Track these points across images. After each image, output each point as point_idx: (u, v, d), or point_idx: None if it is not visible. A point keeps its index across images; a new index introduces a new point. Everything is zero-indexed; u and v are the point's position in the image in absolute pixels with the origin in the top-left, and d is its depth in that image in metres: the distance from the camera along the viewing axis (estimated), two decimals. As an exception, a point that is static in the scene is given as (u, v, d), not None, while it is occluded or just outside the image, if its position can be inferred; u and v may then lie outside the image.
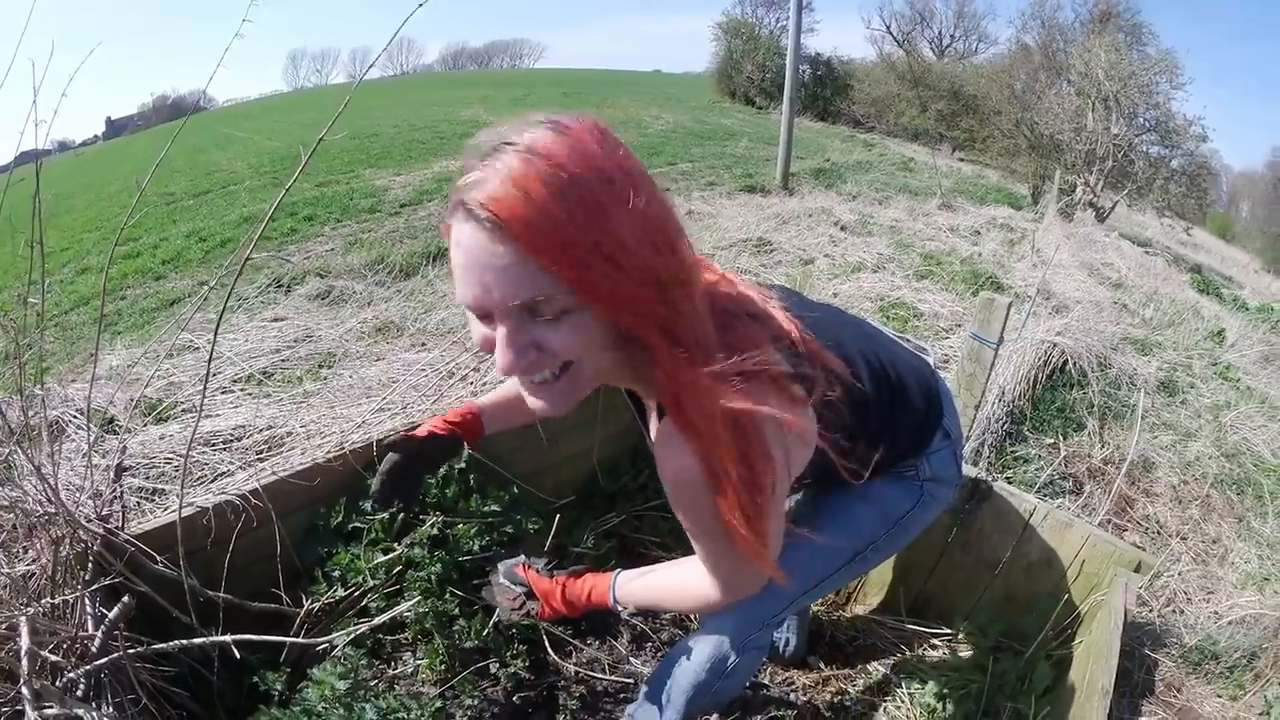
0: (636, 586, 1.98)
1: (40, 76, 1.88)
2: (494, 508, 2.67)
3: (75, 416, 3.64)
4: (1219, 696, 3.63)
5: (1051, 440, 5.92)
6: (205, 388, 2.18)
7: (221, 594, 2.15)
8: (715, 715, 2.26)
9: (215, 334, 2.10)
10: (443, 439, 2.20)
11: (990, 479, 3.13)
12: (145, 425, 3.82)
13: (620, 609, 2.01)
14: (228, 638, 1.87)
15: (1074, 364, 6.79)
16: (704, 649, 1.99)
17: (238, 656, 1.91)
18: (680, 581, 1.90)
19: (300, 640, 2.11)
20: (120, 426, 3.67)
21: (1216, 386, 8.43)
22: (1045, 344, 6.88)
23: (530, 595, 2.14)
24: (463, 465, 2.69)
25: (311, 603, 2.35)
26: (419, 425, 2.27)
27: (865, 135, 30.33)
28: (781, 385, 1.52)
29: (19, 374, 2.15)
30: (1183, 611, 4.25)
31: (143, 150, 32.26)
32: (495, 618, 2.32)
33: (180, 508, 2.16)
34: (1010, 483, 3.39)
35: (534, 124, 1.31)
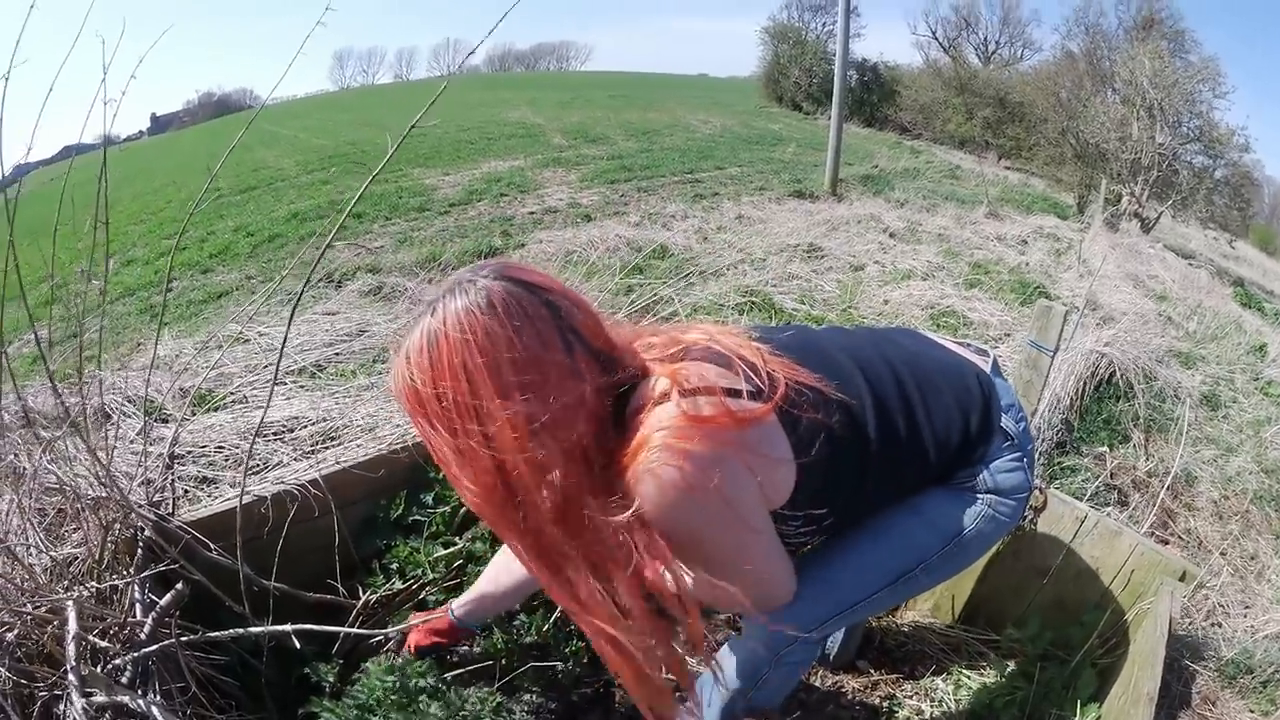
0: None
1: (110, 55, 1.89)
2: None
3: (123, 404, 3.67)
4: (1251, 712, 3.61)
5: (1099, 451, 5.89)
6: (277, 372, 2.18)
7: (276, 584, 2.15)
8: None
9: (291, 318, 2.12)
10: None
11: (1043, 486, 3.12)
12: (195, 415, 3.84)
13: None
14: (287, 627, 1.87)
15: (1121, 376, 6.75)
16: (740, 657, 2.03)
17: (297, 647, 1.91)
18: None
19: (360, 630, 2.11)
20: (170, 416, 3.69)
21: (1258, 402, 8.36)
22: (1094, 354, 6.84)
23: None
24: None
25: (369, 594, 2.35)
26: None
27: (912, 142, 30.20)
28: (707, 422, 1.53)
29: (79, 353, 2.16)
30: (1220, 625, 4.26)
31: (188, 146, 32.55)
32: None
33: (241, 494, 2.17)
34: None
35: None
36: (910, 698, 3.07)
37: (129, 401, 3.67)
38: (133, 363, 4.91)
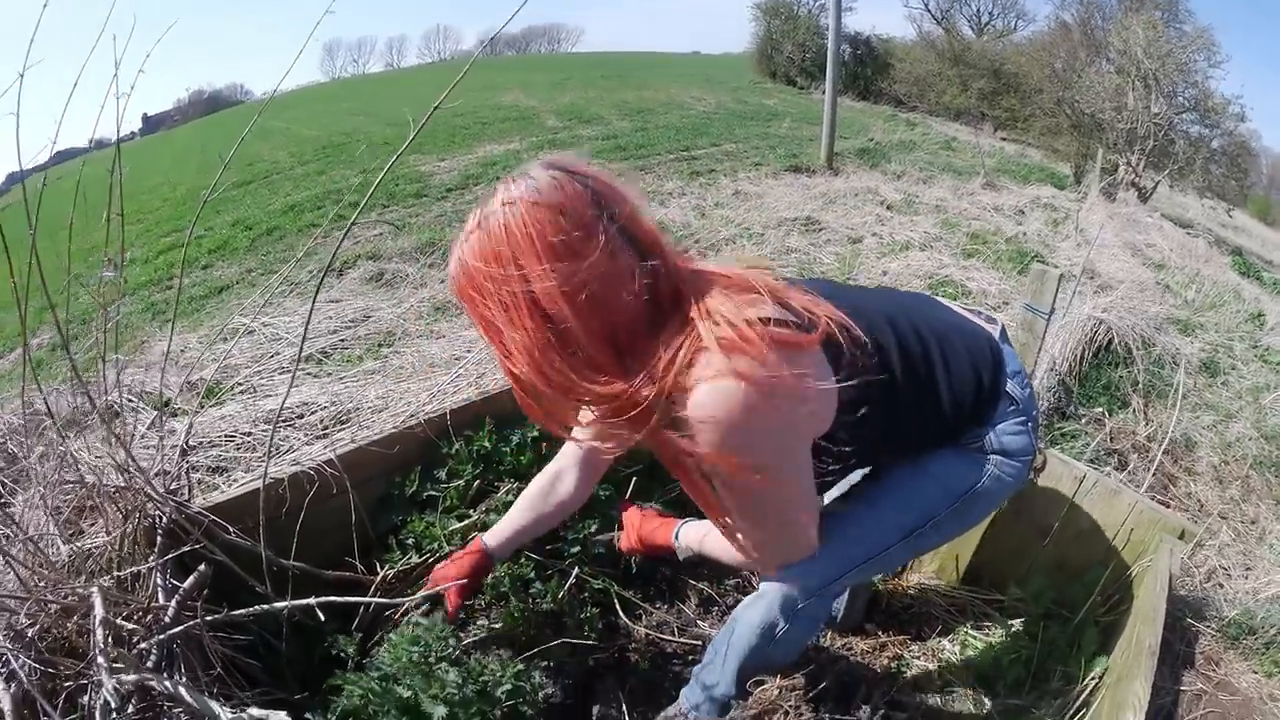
0: (697, 533, 2.13)
1: (121, 50, 1.93)
2: None
3: (131, 400, 3.71)
4: (1255, 673, 3.68)
5: (1098, 416, 5.96)
6: (300, 352, 2.22)
7: (296, 562, 2.19)
8: (777, 676, 2.29)
9: (315, 295, 2.15)
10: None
11: (1043, 447, 3.17)
12: (203, 407, 3.88)
13: (679, 550, 2.17)
14: (311, 600, 1.91)
15: (1119, 342, 6.82)
16: (755, 614, 2.06)
17: (321, 618, 1.95)
18: (732, 545, 1.97)
19: (382, 600, 2.17)
20: (178, 409, 3.73)
21: (1257, 369, 8.41)
22: (1092, 320, 6.90)
23: (622, 527, 2.35)
24: (535, 434, 2.77)
25: (386, 569, 2.40)
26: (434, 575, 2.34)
27: (907, 115, 30.11)
28: (770, 340, 1.59)
29: (102, 341, 2.20)
30: (1222, 586, 4.31)
31: (181, 145, 32.49)
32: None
33: (265, 472, 2.22)
34: (1057, 455, 3.43)
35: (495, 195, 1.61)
36: (918, 658, 3.13)
37: (135, 397, 3.72)
38: (138, 360, 4.95)
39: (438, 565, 2.33)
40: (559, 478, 2.35)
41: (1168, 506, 5.02)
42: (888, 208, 10.99)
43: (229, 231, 10.14)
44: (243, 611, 1.98)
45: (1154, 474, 5.35)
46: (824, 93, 14.68)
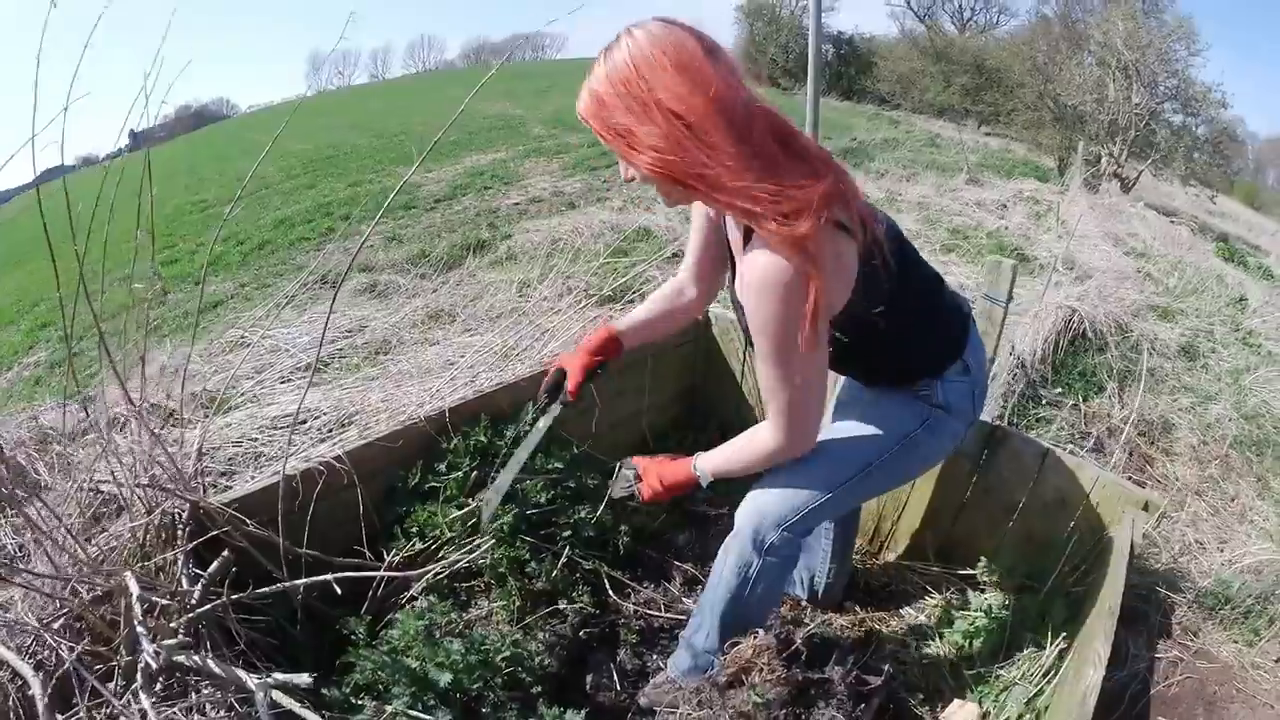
0: (714, 455, 2.29)
1: (156, 71, 2.07)
2: (557, 465, 2.97)
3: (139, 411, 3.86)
4: (1235, 642, 3.86)
5: (1072, 402, 6.10)
6: (318, 356, 2.37)
7: (309, 550, 2.36)
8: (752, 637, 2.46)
9: (334, 297, 2.32)
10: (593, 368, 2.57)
11: (1006, 426, 3.34)
12: (209, 417, 4.03)
13: (701, 477, 2.32)
14: (328, 576, 2.08)
15: (1092, 329, 6.99)
16: (730, 558, 2.34)
17: (338, 593, 2.13)
18: (746, 439, 2.23)
19: (393, 573, 2.36)
20: (186, 421, 3.88)
21: (1237, 351, 8.55)
22: (1064, 309, 7.06)
23: (639, 479, 2.47)
24: (528, 429, 2.92)
25: (393, 555, 2.56)
26: (559, 362, 2.59)
27: (891, 113, 30.28)
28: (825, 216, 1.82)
29: (142, 341, 2.37)
30: (1197, 559, 4.45)
31: (168, 160, 32.58)
32: (606, 496, 2.59)
33: (285, 463, 2.38)
34: (1030, 440, 3.59)
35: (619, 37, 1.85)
36: (895, 631, 3.29)
37: (149, 408, 3.86)
38: (139, 373, 5.08)
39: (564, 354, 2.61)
40: (682, 289, 2.65)
41: (1143, 486, 5.17)
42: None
43: (222, 247, 10.20)
44: (265, 589, 2.16)
45: (1129, 455, 5.51)
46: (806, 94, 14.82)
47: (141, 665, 1.80)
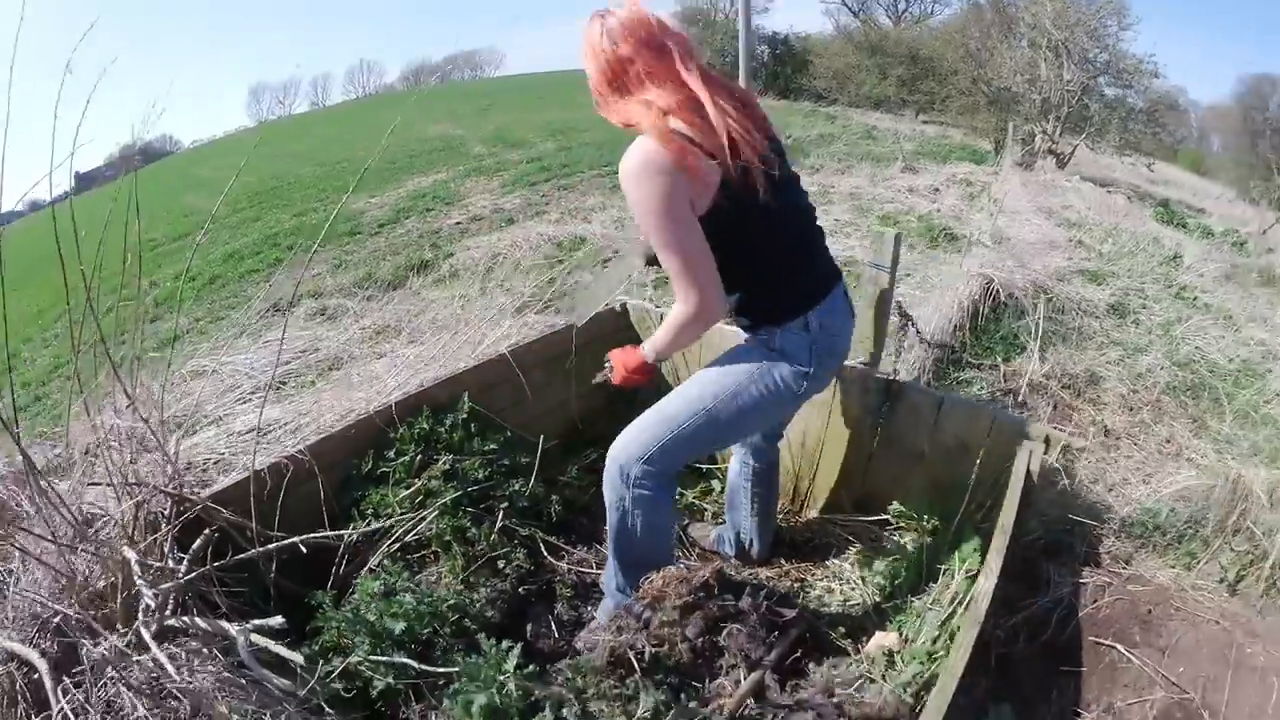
0: (653, 337, 2.76)
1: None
2: (492, 447, 3.32)
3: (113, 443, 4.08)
4: (1171, 567, 4.08)
5: (991, 363, 6.45)
6: (277, 361, 2.61)
7: (278, 533, 2.64)
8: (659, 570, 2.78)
9: (285, 323, 2.57)
10: None
11: (900, 378, 3.68)
12: (180, 434, 4.25)
13: (648, 355, 2.82)
14: (295, 539, 2.41)
15: (1011, 295, 7.37)
16: (607, 496, 2.77)
17: (306, 573, 2.41)
18: (668, 318, 2.63)
19: (363, 529, 2.84)
20: (158, 440, 4.10)
21: (1169, 305, 8.90)
22: (979, 277, 7.44)
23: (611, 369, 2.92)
24: (465, 415, 3.30)
25: (350, 533, 2.85)
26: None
27: (828, 109, 30.47)
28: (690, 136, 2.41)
29: (135, 360, 2.63)
30: (1123, 493, 4.71)
31: (114, 198, 32.28)
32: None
33: (254, 458, 2.78)
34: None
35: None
36: (820, 580, 3.59)
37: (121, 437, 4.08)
38: (109, 405, 5.27)
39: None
40: None
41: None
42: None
43: (174, 284, 10.30)
44: (244, 555, 2.49)
45: (1054, 407, 5.92)
46: (751, 97, 14.95)
47: (142, 606, 2.07)
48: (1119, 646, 3.60)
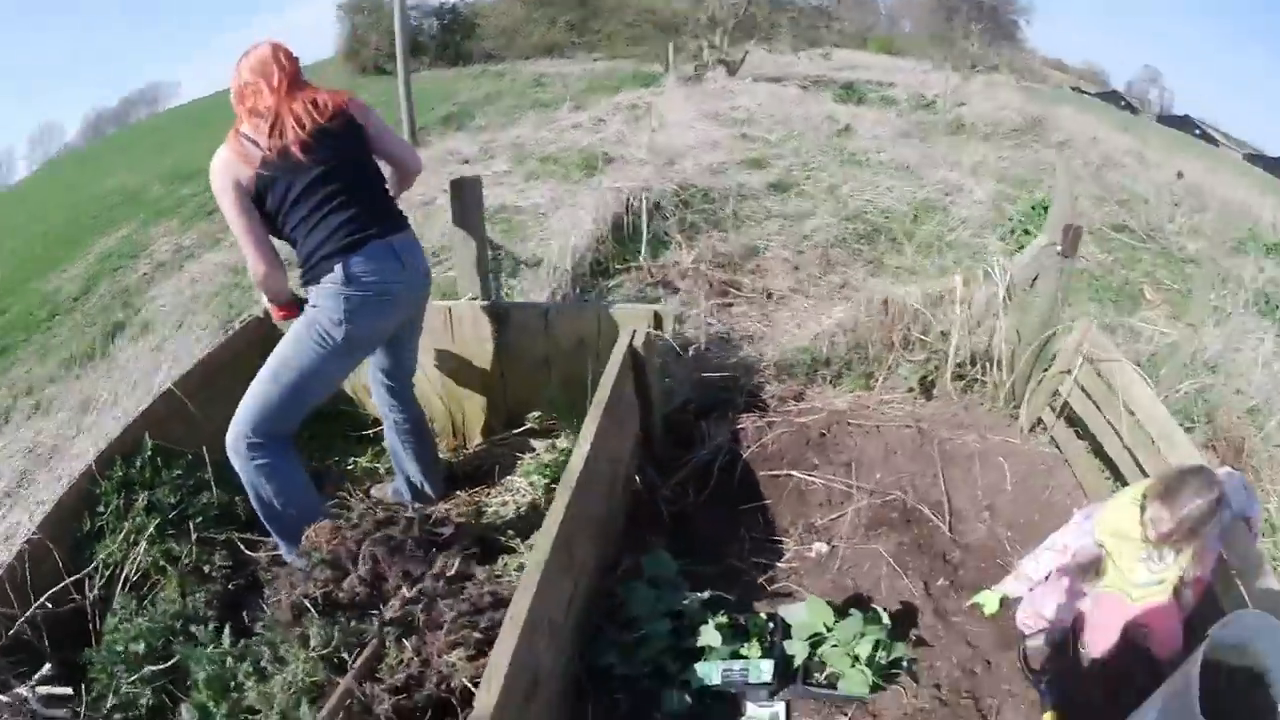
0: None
1: None
2: (178, 472, 3.73)
3: None
4: (851, 392, 4.69)
5: (638, 264, 7.01)
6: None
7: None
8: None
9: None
10: None
11: (501, 300, 4.26)
12: None
13: (274, 303, 3.59)
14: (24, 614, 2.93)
15: (651, 202, 7.94)
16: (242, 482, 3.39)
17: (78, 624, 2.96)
18: None
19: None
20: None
21: (836, 170, 10.01)
22: (611, 192, 8.12)
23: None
24: (150, 453, 3.69)
25: (95, 589, 3.32)
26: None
27: (497, 67, 30.57)
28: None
29: None
30: (779, 342, 5.27)
31: None
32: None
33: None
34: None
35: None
36: (495, 499, 4.11)
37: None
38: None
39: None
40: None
41: (732, 305, 6.14)
42: (465, 163, 11.82)
43: None
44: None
45: (709, 286, 6.48)
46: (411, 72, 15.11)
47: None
48: (794, 472, 4.10)
